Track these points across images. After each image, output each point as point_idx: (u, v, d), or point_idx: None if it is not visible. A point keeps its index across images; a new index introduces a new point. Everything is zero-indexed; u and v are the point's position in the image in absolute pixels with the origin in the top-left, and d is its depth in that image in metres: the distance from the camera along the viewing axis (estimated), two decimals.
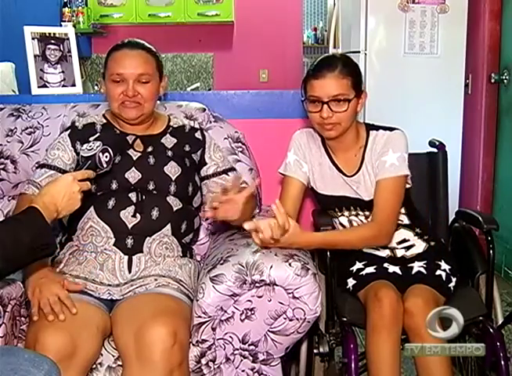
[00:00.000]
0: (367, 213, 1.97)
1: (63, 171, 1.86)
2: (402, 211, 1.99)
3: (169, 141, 1.97)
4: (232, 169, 2.03)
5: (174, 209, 1.86)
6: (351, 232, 1.96)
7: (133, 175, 1.86)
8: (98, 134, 1.94)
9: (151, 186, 1.86)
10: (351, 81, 1.84)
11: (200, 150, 2.00)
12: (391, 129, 1.94)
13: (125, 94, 1.86)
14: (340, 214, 2.00)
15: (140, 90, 1.87)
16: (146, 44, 1.94)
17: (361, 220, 1.98)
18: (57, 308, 1.59)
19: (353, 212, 1.98)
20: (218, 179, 1.98)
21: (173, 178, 1.88)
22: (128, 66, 1.86)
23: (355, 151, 1.96)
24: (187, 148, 1.98)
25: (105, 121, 2.00)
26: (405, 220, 2.00)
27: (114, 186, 1.84)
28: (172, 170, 1.89)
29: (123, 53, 1.89)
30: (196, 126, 2.05)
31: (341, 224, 2.01)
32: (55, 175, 1.85)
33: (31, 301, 1.63)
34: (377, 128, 1.96)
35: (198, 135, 2.02)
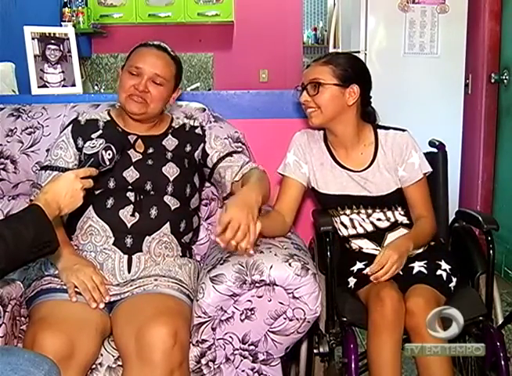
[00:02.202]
0: (369, 211, 1.98)
1: (67, 170, 1.85)
2: (402, 213, 2.00)
3: (170, 143, 1.96)
4: (236, 152, 2.02)
5: (173, 208, 1.86)
6: (424, 227, 1.97)
7: (131, 174, 1.86)
8: (100, 131, 1.94)
9: (148, 186, 1.86)
10: (335, 70, 1.90)
11: (201, 145, 2.00)
12: (400, 130, 1.99)
13: (136, 87, 1.86)
14: (342, 212, 2.01)
15: (151, 89, 1.87)
16: (173, 53, 1.95)
17: (362, 218, 1.99)
18: (96, 295, 1.66)
19: (355, 210, 1.99)
20: (224, 163, 1.97)
21: (171, 179, 1.88)
22: (148, 63, 1.87)
23: (361, 149, 1.99)
24: (188, 148, 1.98)
25: (109, 118, 1.99)
26: (405, 220, 2.00)
27: (112, 184, 1.84)
28: (170, 170, 1.89)
29: (148, 50, 1.91)
30: (196, 124, 2.05)
31: (342, 223, 2.02)
32: (58, 175, 1.85)
33: (67, 284, 1.69)
34: (385, 127, 2.00)
35: (198, 131, 2.03)
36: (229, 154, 1.99)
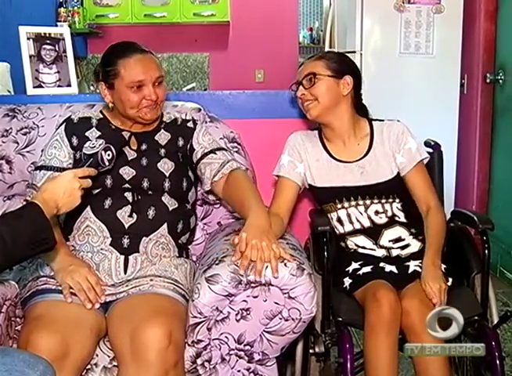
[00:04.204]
0: (368, 202, 2.00)
1: (61, 170, 1.85)
2: (399, 207, 2.01)
3: (163, 137, 1.96)
4: (221, 149, 2.00)
5: (170, 209, 1.86)
6: (435, 228, 1.97)
7: (127, 172, 1.86)
8: (93, 128, 1.94)
9: (145, 184, 1.86)
10: (327, 63, 1.99)
11: (191, 139, 2.00)
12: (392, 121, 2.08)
13: (148, 98, 1.85)
14: (340, 206, 2.02)
15: (157, 92, 1.87)
16: (148, 48, 1.92)
17: (360, 212, 2.00)
18: (91, 296, 1.66)
19: (352, 203, 2.00)
20: (206, 160, 1.96)
21: (167, 175, 1.88)
22: (146, 72, 1.85)
23: (357, 140, 2.04)
24: (180, 142, 1.97)
25: (101, 116, 1.99)
26: (402, 218, 2.01)
27: (109, 182, 1.84)
28: (165, 166, 1.89)
29: (137, 59, 1.86)
30: (188, 117, 2.04)
31: (339, 219, 2.02)
32: (52, 175, 1.85)
33: (63, 285, 1.69)
34: (379, 120, 2.07)
35: (190, 124, 2.02)
36: (213, 151, 1.98)
